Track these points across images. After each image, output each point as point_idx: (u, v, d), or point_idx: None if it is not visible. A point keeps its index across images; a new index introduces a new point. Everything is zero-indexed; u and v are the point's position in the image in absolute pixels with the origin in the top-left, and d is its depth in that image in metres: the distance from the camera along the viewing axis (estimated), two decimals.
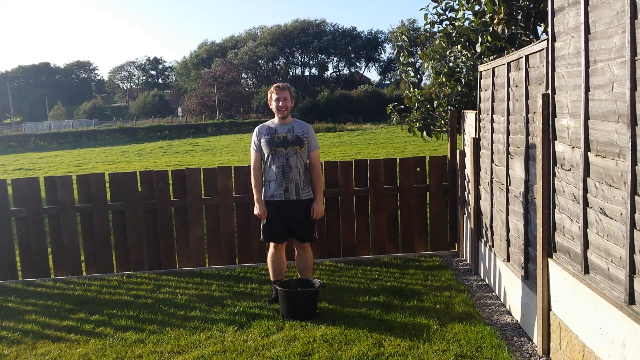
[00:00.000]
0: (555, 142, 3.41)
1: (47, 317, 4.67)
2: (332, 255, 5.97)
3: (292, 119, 4.78)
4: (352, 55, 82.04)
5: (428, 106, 6.89)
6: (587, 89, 2.92)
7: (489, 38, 5.73)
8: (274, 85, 4.77)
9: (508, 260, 4.47)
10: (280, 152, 4.62)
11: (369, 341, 3.92)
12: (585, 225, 3.02)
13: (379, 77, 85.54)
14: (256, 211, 4.70)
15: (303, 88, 70.09)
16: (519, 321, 4.20)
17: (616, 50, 2.60)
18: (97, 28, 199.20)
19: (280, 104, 4.65)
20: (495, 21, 5.58)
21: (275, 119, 4.74)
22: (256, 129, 4.79)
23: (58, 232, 5.64)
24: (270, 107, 4.75)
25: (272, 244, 4.82)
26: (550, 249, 3.54)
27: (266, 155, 4.67)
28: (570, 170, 3.22)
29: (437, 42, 6.95)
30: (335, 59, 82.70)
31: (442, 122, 6.80)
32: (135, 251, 5.73)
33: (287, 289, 4.44)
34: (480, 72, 5.22)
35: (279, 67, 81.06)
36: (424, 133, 6.96)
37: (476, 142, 5.28)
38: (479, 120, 5.27)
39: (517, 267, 4.25)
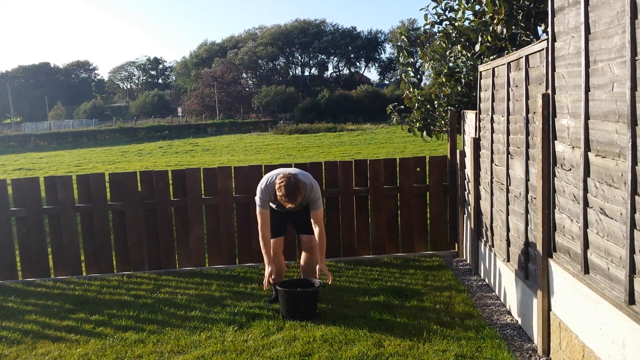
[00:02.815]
0: (556, 142, 3.41)
1: (47, 317, 4.67)
2: (332, 255, 5.97)
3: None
4: (352, 55, 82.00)
5: (428, 106, 6.89)
6: (587, 89, 2.92)
7: (489, 38, 5.73)
8: (283, 199, 4.27)
9: (508, 260, 4.47)
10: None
11: (369, 341, 3.92)
12: (586, 225, 3.02)
13: (378, 77, 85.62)
14: (266, 276, 4.44)
15: (303, 88, 70.10)
16: (519, 321, 4.20)
17: (616, 50, 2.60)
18: (97, 28, 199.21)
19: (288, 207, 4.37)
20: (495, 21, 5.58)
21: None
22: (263, 192, 4.44)
23: (58, 232, 5.64)
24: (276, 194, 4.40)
25: (272, 245, 4.79)
26: (550, 249, 3.54)
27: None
28: (570, 170, 3.22)
29: (437, 42, 6.95)
30: (335, 59, 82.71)
31: (442, 122, 6.80)
32: (135, 251, 5.73)
33: (287, 289, 4.44)
34: (480, 72, 5.22)
35: (279, 67, 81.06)
36: (424, 133, 6.96)
37: (476, 142, 5.28)
38: (479, 120, 5.27)
39: (517, 267, 4.25)
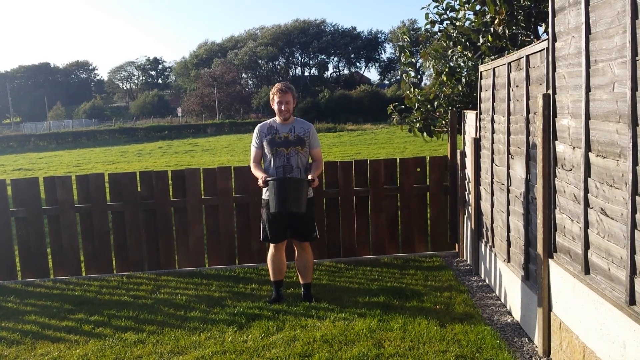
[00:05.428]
0: (556, 142, 3.40)
1: (46, 317, 4.66)
2: (332, 255, 5.96)
3: (294, 119, 4.77)
4: (352, 55, 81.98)
5: (428, 106, 6.88)
6: (587, 89, 2.91)
7: (490, 38, 5.73)
8: (277, 87, 4.71)
9: (509, 261, 4.47)
10: (281, 152, 4.62)
11: (369, 342, 3.91)
12: (586, 225, 3.01)
13: (379, 77, 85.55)
14: (260, 182, 4.54)
15: (303, 88, 70.00)
16: (519, 322, 4.19)
17: (617, 50, 2.60)
18: (97, 28, 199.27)
19: (283, 107, 4.65)
20: (496, 21, 5.58)
21: (277, 119, 4.73)
22: (257, 128, 4.77)
23: (57, 233, 5.63)
24: (272, 107, 4.74)
25: (272, 244, 4.81)
26: (550, 250, 3.54)
27: (267, 155, 4.66)
28: (571, 170, 3.21)
29: (437, 41, 6.95)
30: (335, 59, 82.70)
31: (443, 122, 6.79)
32: (134, 251, 5.72)
33: (277, 178, 4.43)
34: (481, 72, 5.22)
35: (279, 67, 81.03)
36: (425, 133, 6.96)
37: (477, 142, 5.27)
38: (480, 121, 5.26)
39: (517, 268, 4.25)
